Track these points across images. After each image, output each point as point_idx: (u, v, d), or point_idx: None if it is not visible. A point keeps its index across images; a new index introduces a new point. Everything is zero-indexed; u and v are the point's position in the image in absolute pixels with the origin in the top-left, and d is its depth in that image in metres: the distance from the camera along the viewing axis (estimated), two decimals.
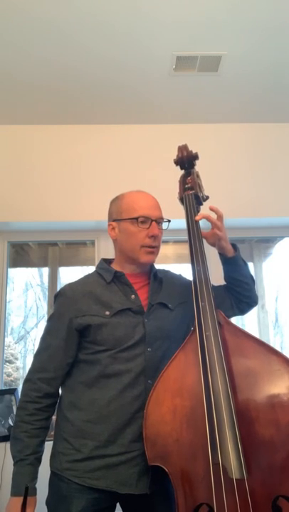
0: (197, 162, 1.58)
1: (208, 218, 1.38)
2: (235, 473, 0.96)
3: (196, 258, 1.34)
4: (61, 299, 1.36)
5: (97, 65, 2.36)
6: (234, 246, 1.44)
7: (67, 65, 2.35)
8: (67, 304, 1.33)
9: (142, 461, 1.17)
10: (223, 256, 1.44)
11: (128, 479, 1.20)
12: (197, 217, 1.39)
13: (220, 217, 1.40)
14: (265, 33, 2.18)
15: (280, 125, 2.95)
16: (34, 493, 1.23)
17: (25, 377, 1.36)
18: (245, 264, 1.47)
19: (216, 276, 1.49)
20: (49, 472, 1.30)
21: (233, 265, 1.43)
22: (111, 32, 2.14)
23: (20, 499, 1.19)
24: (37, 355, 1.35)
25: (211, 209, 1.40)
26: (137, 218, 1.33)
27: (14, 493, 1.22)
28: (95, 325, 1.28)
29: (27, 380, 1.33)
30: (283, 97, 2.70)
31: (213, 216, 1.40)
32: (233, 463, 0.96)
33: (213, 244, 1.43)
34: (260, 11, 2.04)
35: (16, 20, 2.04)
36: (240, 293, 1.45)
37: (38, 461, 1.27)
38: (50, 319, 1.38)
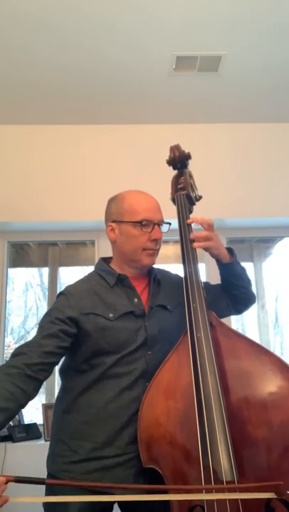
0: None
1: (197, 222, 1.34)
2: (225, 476, 0.96)
3: (188, 259, 1.32)
4: (63, 298, 1.31)
5: (97, 65, 2.36)
6: (231, 250, 1.40)
7: (67, 65, 2.35)
8: (70, 300, 1.28)
9: (138, 463, 1.17)
10: (218, 261, 1.40)
11: (124, 481, 1.19)
12: (189, 221, 1.37)
13: (210, 226, 1.35)
14: (265, 32, 2.17)
15: (280, 125, 2.94)
16: None
17: None
18: (242, 269, 1.43)
19: (214, 274, 1.47)
20: (46, 473, 1.31)
21: (230, 270, 1.40)
22: (111, 32, 2.14)
23: None
24: None
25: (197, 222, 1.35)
26: (140, 222, 1.31)
27: None
28: (98, 328, 1.25)
29: None
30: (283, 97, 2.69)
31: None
32: (224, 465, 0.96)
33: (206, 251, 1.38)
34: (260, 10, 2.03)
35: (17, 20, 2.04)
36: (237, 295, 1.43)
37: None
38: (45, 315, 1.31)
